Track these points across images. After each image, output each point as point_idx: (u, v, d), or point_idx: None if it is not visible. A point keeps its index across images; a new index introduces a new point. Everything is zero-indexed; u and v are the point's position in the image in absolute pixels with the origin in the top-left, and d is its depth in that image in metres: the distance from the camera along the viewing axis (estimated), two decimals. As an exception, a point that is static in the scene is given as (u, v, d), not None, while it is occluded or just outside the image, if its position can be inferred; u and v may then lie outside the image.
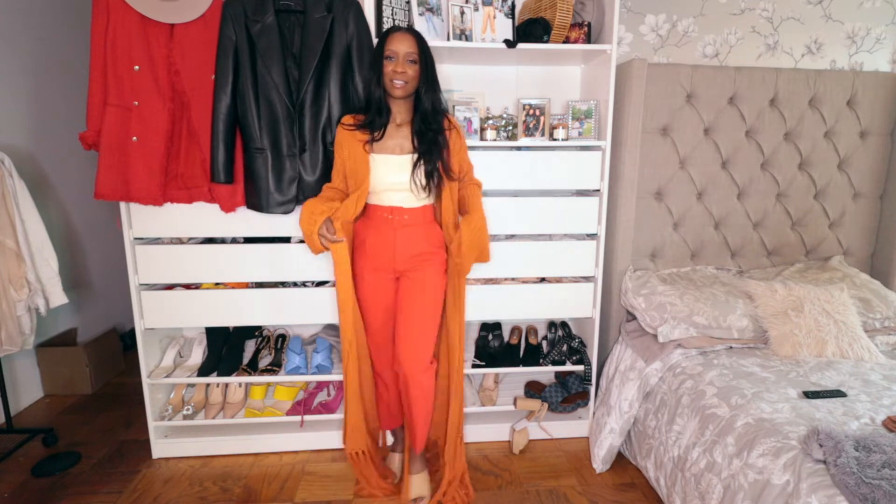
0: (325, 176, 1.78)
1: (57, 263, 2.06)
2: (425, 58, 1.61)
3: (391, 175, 1.64)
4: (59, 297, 2.06)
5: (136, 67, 1.69)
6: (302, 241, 1.98)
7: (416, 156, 1.63)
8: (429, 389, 1.72)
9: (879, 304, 2.06)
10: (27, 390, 2.48)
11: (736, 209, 2.35)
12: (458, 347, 1.77)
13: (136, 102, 1.70)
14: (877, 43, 2.44)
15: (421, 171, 1.62)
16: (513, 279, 2.08)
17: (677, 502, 1.62)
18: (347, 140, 1.66)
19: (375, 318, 1.76)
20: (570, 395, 2.21)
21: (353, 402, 1.77)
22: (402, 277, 1.74)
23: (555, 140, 1.96)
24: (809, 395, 1.54)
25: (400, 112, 1.68)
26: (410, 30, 1.63)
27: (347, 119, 1.68)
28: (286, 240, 1.99)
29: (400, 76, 1.58)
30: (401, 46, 1.57)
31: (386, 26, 1.85)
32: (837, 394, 1.54)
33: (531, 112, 2.00)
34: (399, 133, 1.67)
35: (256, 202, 1.80)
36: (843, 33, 2.41)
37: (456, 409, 1.78)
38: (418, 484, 1.80)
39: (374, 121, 1.65)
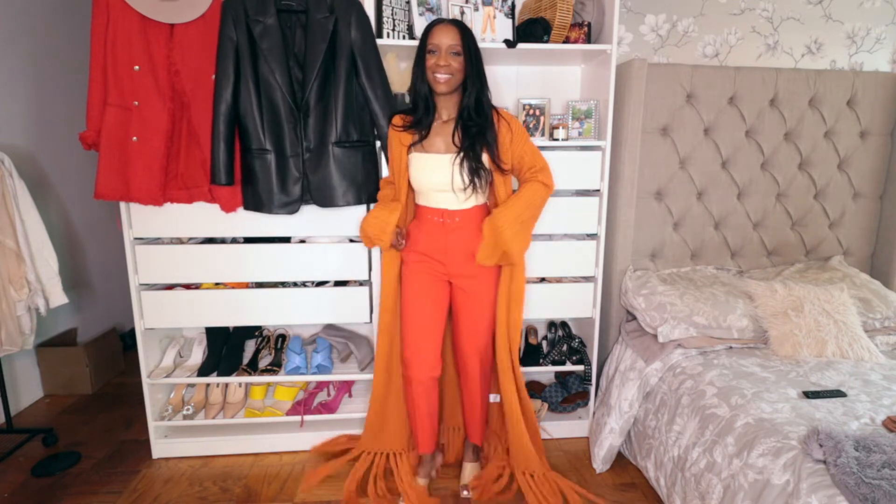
0: (332, 176, 1.78)
1: (57, 263, 2.06)
2: (470, 49, 1.54)
3: (433, 175, 1.60)
4: (59, 297, 2.06)
5: (136, 67, 1.69)
6: (302, 241, 1.99)
7: (459, 154, 1.57)
8: (488, 381, 1.83)
9: (879, 304, 2.06)
10: (27, 390, 2.48)
11: (736, 209, 2.35)
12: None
13: (136, 102, 1.70)
14: (877, 43, 2.44)
15: (466, 168, 1.56)
16: (513, 279, 2.07)
17: (677, 502, 1.62)
18: (395, 141, 1.66)
19: (420, 321, 1.69)
20: (570, 395, 2.21)
21: (377, 402, 1.86)
22: (456, 284, 1.71)
23: (555, 140, 1.96)
24: (809, 395, 1.54)
25: (446, 108, 1.63)
26: (454, 21, 1.56)
27: (396, 120, 1.67)
28: (286, 240, 1.99)
29: (443, 69, 1.52)
30: (443, 39, 1.52)
31: (386, 27, 1.85)
32: (837, 394, 1.54)
33: (531, 112, 2.00)
34: (445, 130, 1.63)
35: (259, 203, 1.79)
36: (843, 33, 2.41)
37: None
38: (468, 472, 1.88)
39: (420, 119, 1.61)
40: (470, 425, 1.89)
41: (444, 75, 1.53)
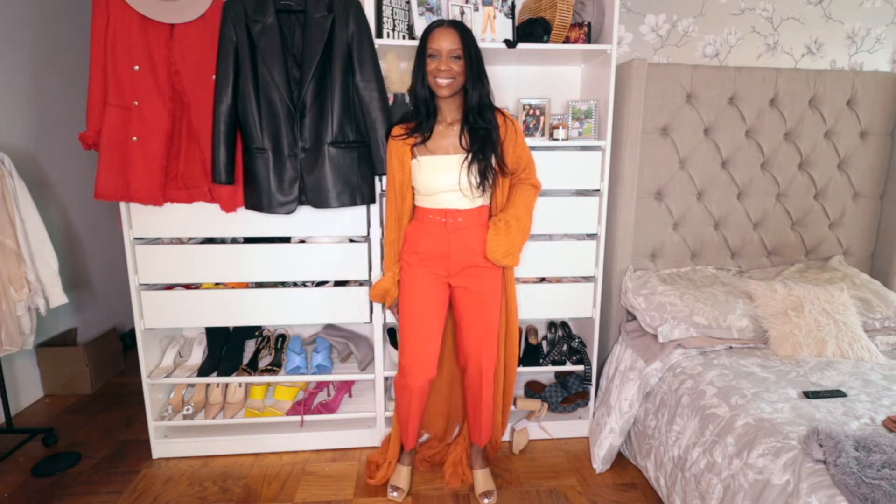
0: (326, 177, 1.78)
1: (57, 263, 2.06)
2: (470, 51, 1.53)
3: (442, 176, 1.59)
4: (59, 297, 2.07)
5: (136, 67, 1.69)
6: (302, 241, 1.99)
7: (467, 155, 1.57)
8: (492, 381, 1.79)
9: (879, 304, 2.06)
10: (27, 390, 2.48)
11: (736, 209, 2.35)
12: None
13: (136, 102, 1.70)
14: (877, 43, 2.44)
15: (475, 170, 1.56)
16: (513, 279, 2.07)
17: (677, 502, 1.62)
18: (398, 150, 1.63)
19: (420, 323, 1.70)
20: (570, 395, 2.21)
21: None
22: (457, 286, 1.70)
23: (555, 140, 1.96)
24: (809, 395, 1.54)
25: (450, 111, 1.62)
26: (454, 23, 1.55)
27: (397, 130, 1.64)
28: (286, 240, 1.99)
29: (444, 73, 1.51)
30: (444, 43, 1.50)
31: (386, 27, 1.85)
32: (837, 394, 1.54)
33: (531, 112, 2.00)
34: (450, 132, 1.62)
35: (257, 202, 1.79)
36: (843, 33, 2.41)
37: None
38: (482, 479, 1.85)
39: (421, 123, 1.61)
40: (474, 427, 1.85)
41: (446, 80, 1.52)
